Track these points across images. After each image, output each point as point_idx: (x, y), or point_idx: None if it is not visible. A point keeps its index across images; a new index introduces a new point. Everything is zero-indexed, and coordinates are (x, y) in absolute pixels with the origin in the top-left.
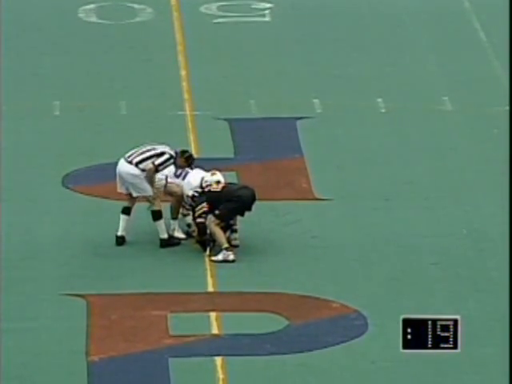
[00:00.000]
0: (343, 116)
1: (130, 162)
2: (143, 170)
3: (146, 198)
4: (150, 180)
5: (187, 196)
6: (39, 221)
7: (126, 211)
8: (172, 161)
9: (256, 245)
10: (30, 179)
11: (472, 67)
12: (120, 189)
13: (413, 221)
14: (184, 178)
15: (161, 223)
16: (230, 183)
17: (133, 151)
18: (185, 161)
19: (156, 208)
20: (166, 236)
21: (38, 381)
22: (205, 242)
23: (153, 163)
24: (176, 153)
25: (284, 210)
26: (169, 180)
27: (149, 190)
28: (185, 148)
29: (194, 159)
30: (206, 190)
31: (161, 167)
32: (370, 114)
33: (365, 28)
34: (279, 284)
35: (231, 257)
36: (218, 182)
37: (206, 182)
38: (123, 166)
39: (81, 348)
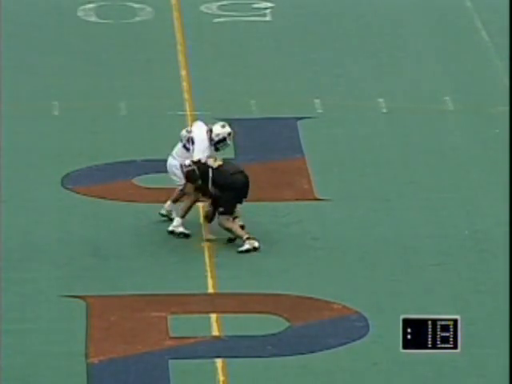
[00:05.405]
0: (344, 116)
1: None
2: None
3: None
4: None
5: (184, 165)
6: (38, 222)
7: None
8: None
9: None
10: (29, 180)
11: (473, 67)
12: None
13: (414, 221)
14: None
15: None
16: (226, 162)
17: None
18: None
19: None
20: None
21: (37, 383)
22: (208, 214)
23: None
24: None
25: (284, 210)
26: (186, 162)
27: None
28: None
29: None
30: (217, 143)
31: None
32: (372, 114)
33: (366, 27)
34: (280, 285)
35: (256, 244)
36: (229, 134)
37: (217, 135)
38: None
39: (80, 350)
